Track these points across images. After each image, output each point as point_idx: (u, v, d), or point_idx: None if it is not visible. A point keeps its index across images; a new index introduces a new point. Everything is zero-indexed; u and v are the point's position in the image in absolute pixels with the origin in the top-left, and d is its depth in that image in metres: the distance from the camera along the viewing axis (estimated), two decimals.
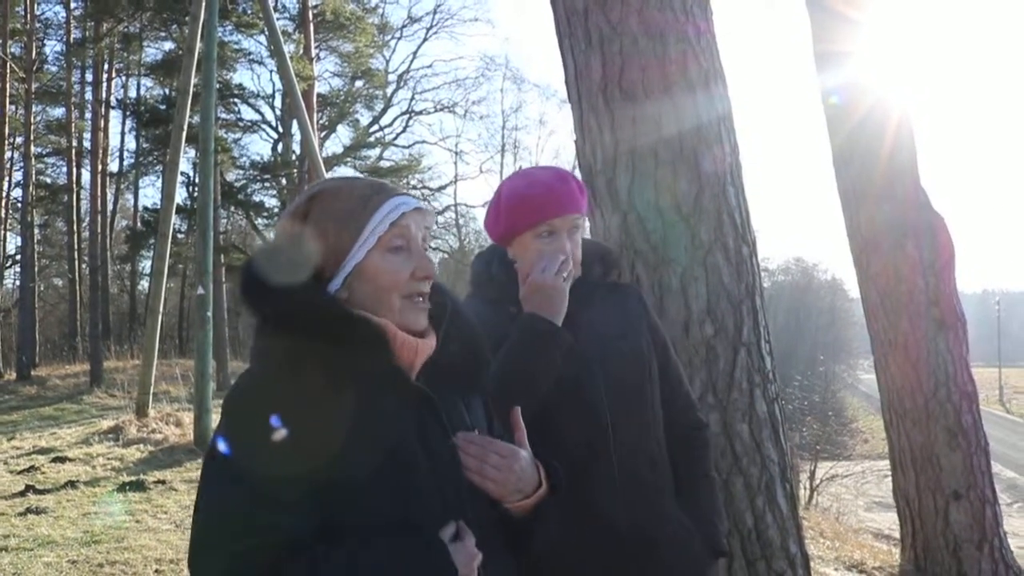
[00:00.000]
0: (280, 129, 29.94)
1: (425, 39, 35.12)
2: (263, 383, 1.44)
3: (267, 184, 29.75)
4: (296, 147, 28.53)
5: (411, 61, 44.58)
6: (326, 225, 1.47)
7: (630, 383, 2.12)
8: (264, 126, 30.44)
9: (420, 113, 35.15)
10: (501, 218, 2.17)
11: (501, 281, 2.20)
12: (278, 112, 29.96)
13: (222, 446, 1.39)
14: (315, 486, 1.34)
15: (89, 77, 28.04)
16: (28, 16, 24.77)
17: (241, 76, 56.31)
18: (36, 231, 27.02)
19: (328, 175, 18.84)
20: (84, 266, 27.48)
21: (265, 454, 1.34)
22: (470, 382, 1.63)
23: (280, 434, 1.34)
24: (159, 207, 17.64)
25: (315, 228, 1.47)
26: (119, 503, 7.97)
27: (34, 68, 24.17)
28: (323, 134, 30.68)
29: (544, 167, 2.24)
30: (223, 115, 26.92)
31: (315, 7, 27.78)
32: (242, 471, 1.35)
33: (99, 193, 27.36)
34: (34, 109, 25.10)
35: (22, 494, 8.34)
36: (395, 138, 34.47)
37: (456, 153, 40.06)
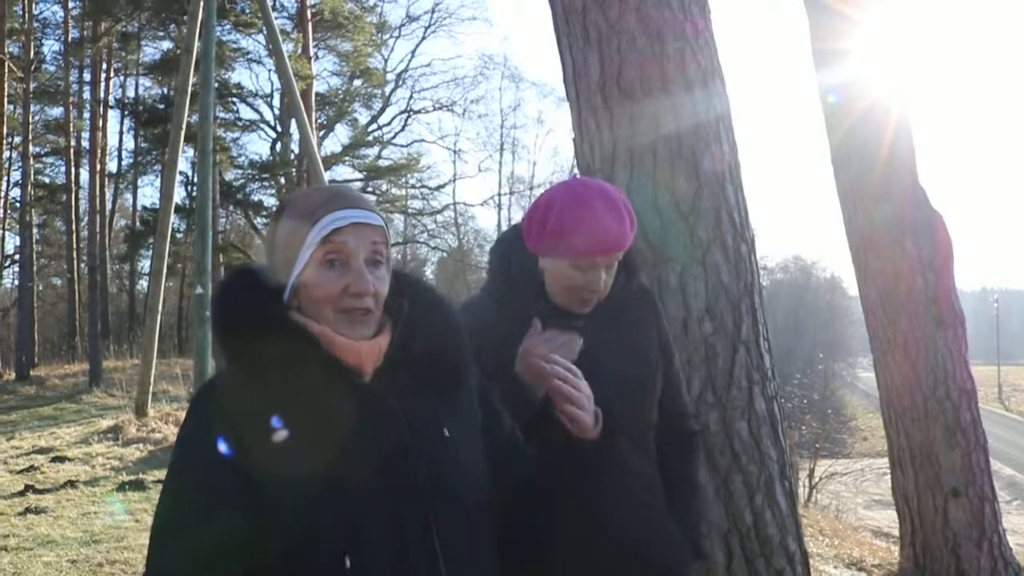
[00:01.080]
0: (279, 128, 29.91)
1: (423, 38, 35.12)
2: (219, 385, 1.50)
3: (266, 183, 29.75)
4: (295, 146, 28.51)
5: (409, 60, 44.24)
6: (283, 234, 1.52)
7: (630, 395, 2.12)
8: (263, 125, 30.42)
9: (419, 112, 35.15)
10: (546, 236, 2.05)
11: (516, 285, 2.11)
12: (276, 111, 29.93)
13: (180, 442, 1.48)
14: (259, 487, 1.37)
15: (87, 76, 28.01)
16: (26, 15, 24.76)
17: (239, 75, 56.28)
18: (35, 231, 26.95)
19: (326, 175, 18.82)
20: (83, 266, 27.47)
21: (213, 453, 1.39)
22: (443, 381, 1.61)
23: (224, 443, 1.39)
24: (158, 206, 17.64)
25: (278, 237, 1.53)
26: (119, 503, 7.97)
27: (32, 68, 24.16)
28: (322, 133, 30.65)
29: (603, 193, 2.11)
30: (221, 114, 26.94)
31: (313, 6, 27.78)
32: (191, 468, 1.43)
33: (98, 193, 27.34)
34: (32, 109, 25.08)
35: (22, 494, 8.34)
36: (394, 137, 34.45)
37: (455, 152, 40.10)
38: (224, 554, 1.36)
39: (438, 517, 1.46)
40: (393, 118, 34.52)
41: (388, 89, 34.19)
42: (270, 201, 29.58)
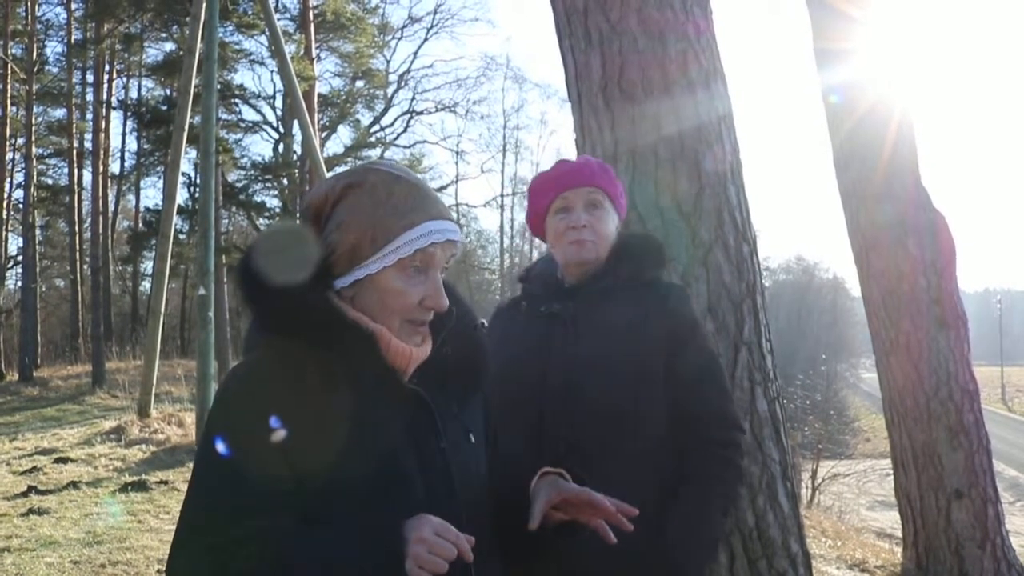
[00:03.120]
0: (281, 129, 29.96)
1: (426, 39, 35.19)
2: (255, 377, 1.41)
3: (268, 184, 29.78)
4: (297, 147, 28.56)
5: (412, 61, 44.71)
6: (351, 222, 1.41)
7: (602, 377, 2.07)
8: (265, 126, 30.50)
9: (421, 113, 35.21)
10: (527, 204, 2.31)
11: (528, 284, 2.30)
12: (279, 112, 29.99)
13: (213, 436, 1.38)
14: (299, 486, 1.33)
15: (90, 78, 28.10)
16: (29, 17, 24.79)
17: (242, 77, 56.49)
18: (38, 232, 27.04)
19: (328, 175, 18.80)
20: (86, 267, 27.49)
21: (252, 448, 1.33)
22: (464, 383, 1.58)
23: (269, 429, 1.33)
24: (160, 208, 17.64)
25: (340, 219, 1.42)
26: (120, 504, 7.97)
27: (35, 69, 24.18)
28: (324, 134, 30.69)
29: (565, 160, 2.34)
30: (224, 116, 26.95)
31: (316, 8, 27.80)
32: (227, 464, 1.35)
33: (100, 194, 27.37)
34: (35, 110, 25.12)
35: (24, 495, 8.34)
36: (396, 138, 34.50)
37: (457, 153, 40.07)
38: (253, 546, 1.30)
39: (466, 514, 1.43)
40: (395, 119, 34.64)
41: (390, 90, 34.30)
42: (272, 202, 29.67)
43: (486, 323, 1.69)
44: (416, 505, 1.36)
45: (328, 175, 1.49)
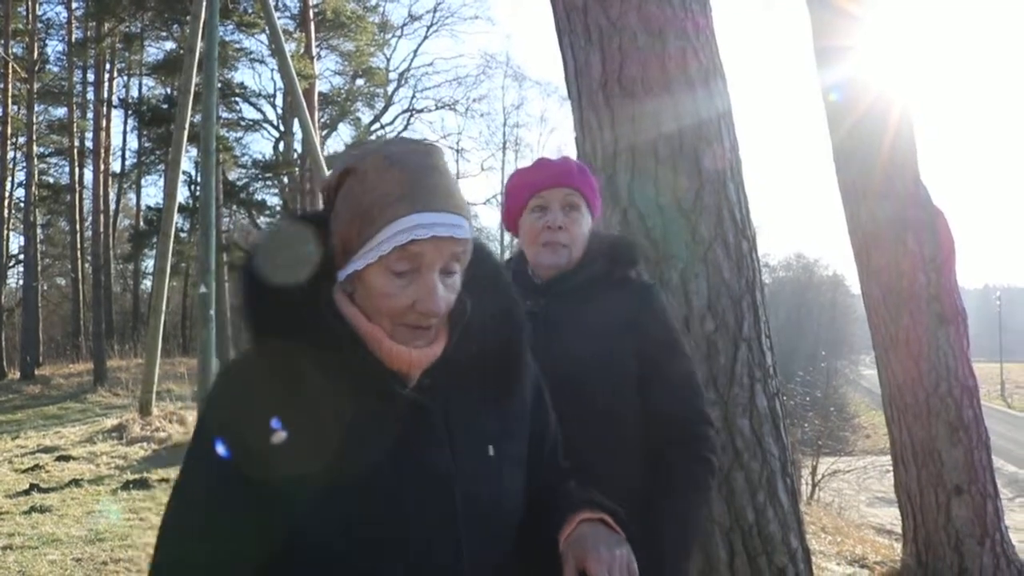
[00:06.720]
0: (281, 128, 29.96)
1: (425, 37, 35.16)
2: (244, 375, 1.32)
3: (269, 183, 29.83)
4: (297, 146, 28.56)
5: (412, 59, 44.52)
6: (343, 212, 1.28)
7: (578, 374, 2.01)
8: (265, 125, 30.48)
9: (421, 111, 35.22)
10: (504, 202, 2.24)
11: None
12: (279, 111, 29.98)
13: (198, 436, 1.31)
14: (282, 488, 1.23)
15: (91, 77, 28.09)
16: (30, 16, 24.81)
17: (242, 75, 56.47)
18: (39, 231, 27.05)
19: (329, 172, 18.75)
20: (87, 265, 27.50)
21: (238, 446, 1.25)
22: (494, 386, 1.41)
23: (256, 427, 1.24)
24: (161, 206, 17.66)
25: (338, 207, 1.30)
26: (123, 501, 7.99)
27: (36, 68, 24.20)
28: (324, 132, 30.69)
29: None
30: (224, 114, 26.95)
31: (316, 6, 27.80)
32: (204, 469, 1.28)
33: (101, 192, 27.36)
34: (36, 109, 25.17)
35: (26, 492, 8.37)
36: (396, 136, 34.44)
37: (457, 151, 39.98)
38: (232, 563, 1.25)
39: (469, 543, 1.30)
40: (396, 117, 34.62)
41: (390, 88, 34.30)
42: (273, 200, 29.69)
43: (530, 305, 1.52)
44: (399, 524, 1.26)
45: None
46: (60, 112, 28.15)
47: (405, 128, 34.60)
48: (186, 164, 22.76)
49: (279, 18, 20.74)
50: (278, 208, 29.14)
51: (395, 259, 1.24)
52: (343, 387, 1.25)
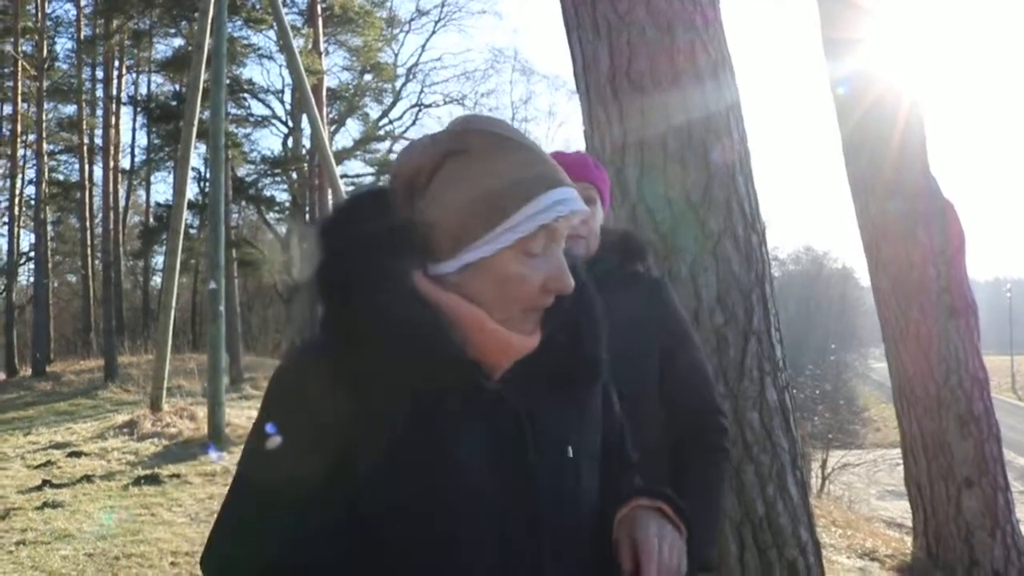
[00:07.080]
0: (290, 124, 29.98)
1: (433, 32, 35.07)
2: (312, 361, 1.20)
3: (278, 179, 29.83)
4: (306, 141, 28.55)
5: (420, 54, 44.42)
6: (454, 196, 1.15)
7: (621, 381, 2.02)
8: (274, 121, 30.49)
9: (429, 106, 35.13)
10: None
11: None
12: (288, 107, 29.99)
13: (261, 427, 1.20)
14: (347, 488, 1.15)
15: (100, 74, 28.13)
16: (39, 14, 24.88)
17: (251, 71, 56.45)
18: (49, 228, 27.13)
19: (338, 169, 18.78)
20: (97, 262, 27.61)
21: (296, 442, 1.16)
22: (577, 382, 1.31)
23: (318, 421, 1.15)
24: (171, 203, 17.69)
25: (438, 192, 1.16)
26: (133, 497, 8.03)
27: (45, 66, 24.27)
28: (333, 128, 30.69)
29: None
30: (233, 110, 26.97)
31: (324, 2, 27.80)
32: (266, 464, 1.17)
33: (111, 189, 27.47)
34: (46, 106, 25.23)
35: (39, 488, 8.42)
36: (405, 131, 34.40)
37: None
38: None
39: (552, 545, 1.22)
40: (404, 112, 34.56)
41: (399, 83, 34.22)
42: (282, 196, 29.74)
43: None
44: (481, 524, 1.17)
45: (418, 138, 1.05)
46: (69, 109, 28.24)
47: (414, 123, 34.59)
48: (195, 160, 22.77)
49: (287, 14, 20.75)
50: (287, 204, 29.18)
51: (538, 239, 1.16)
52: (419, 375, 1.14)
